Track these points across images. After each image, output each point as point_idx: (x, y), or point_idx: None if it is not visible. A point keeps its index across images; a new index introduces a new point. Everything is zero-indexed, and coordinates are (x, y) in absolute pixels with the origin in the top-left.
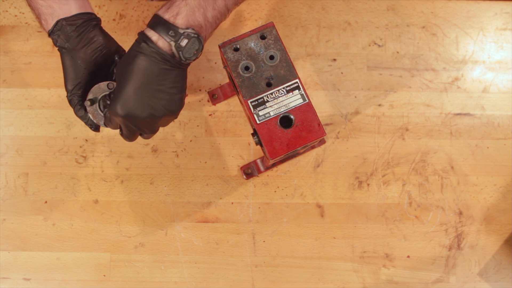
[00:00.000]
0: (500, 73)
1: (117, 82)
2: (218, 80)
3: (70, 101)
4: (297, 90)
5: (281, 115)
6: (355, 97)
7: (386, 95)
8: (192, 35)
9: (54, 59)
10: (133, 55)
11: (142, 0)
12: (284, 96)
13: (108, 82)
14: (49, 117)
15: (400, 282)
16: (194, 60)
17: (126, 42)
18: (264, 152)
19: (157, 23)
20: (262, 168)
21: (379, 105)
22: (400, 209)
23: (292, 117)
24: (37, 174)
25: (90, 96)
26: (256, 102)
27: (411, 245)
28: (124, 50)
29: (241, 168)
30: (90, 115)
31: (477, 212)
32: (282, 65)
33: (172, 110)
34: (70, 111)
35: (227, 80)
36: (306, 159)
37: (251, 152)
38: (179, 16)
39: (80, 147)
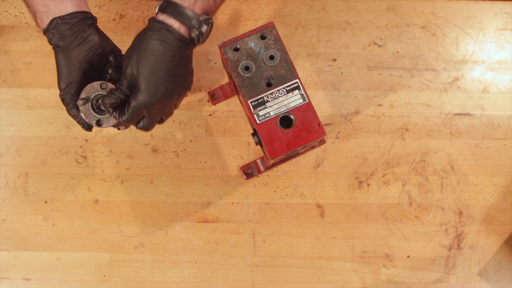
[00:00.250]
0: (500, 73)
1: (139, 70)
2: (218, 80)
3: (62, 100)
4: (297, 90)
5: (281, 115)
6: (355, 97)
7: (386, 95)
8: (210, 20)
9: (54, 59)
10: (157, 44)
11: (142, 0)
12: (284, 96)
13: (101, 81)
14: (49, 117)
15: (400, 282)
16: None
17: (126, 42)
18: (264, 152)
19: (178, 11)
20: (262, 168)
21: (379, 105)
22: (400, 209)
23: (292, 117)
24: (37, 174)
25: (83, 95)
26: (256, 102)
27: (411, 245)
28: (120, 50)
29: (241, 168)
30: (82, 115)
31: (477, 212)
32: (282, 65)
33: (189, 87)
34: None
35: (227, 80)
36: (306, 159)
37: (251, 152)
38: (197, 4)
39: (80, 147)
